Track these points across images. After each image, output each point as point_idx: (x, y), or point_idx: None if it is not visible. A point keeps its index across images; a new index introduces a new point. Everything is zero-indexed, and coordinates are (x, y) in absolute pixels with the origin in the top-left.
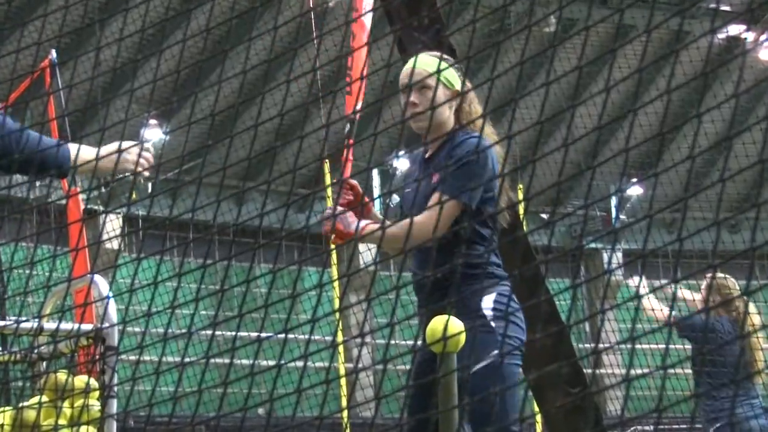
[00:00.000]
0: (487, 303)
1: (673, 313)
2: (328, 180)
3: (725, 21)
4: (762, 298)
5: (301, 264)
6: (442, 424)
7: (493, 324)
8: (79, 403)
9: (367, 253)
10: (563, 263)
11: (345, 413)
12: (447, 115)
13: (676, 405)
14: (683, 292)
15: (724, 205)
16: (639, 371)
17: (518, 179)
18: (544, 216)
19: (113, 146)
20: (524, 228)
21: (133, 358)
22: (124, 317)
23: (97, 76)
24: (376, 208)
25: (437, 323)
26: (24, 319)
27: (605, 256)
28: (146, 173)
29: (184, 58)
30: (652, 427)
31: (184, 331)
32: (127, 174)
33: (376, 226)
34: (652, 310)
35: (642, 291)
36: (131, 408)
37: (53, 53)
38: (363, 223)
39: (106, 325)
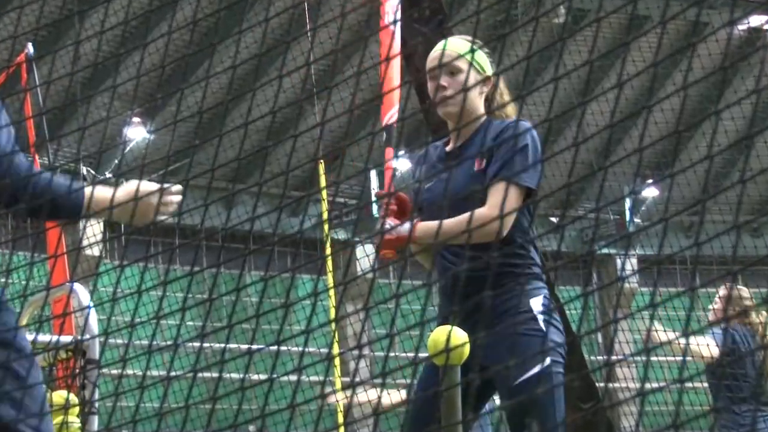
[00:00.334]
0: (536, 304)
1: (712, 340)
2: (323, 182)
3: (746, 11)
4: None
5: (295, 271)
6: None
7: (544, 328)
8: (57, 420)
9: (364, 259)
10: (574, 270)
11: (341, 430)
12: (479, 101)
13: (694, 420)
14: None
15: (745, 207)
16: (654, 385)
17: None
18: (553, 219)
19: (132, 187)
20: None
21: (115, 371)
22: (105, 328)
23: (77, 71)
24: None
25: (440, 333)
26: None
27: (619, 263)
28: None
29: (169, 52)
30: None
31: (170, 343)
32: (149, 222)
33: (431, 223)
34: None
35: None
36: (113, 425)
37: (30, 47)
38: (411, 222)
39: (87, 336)
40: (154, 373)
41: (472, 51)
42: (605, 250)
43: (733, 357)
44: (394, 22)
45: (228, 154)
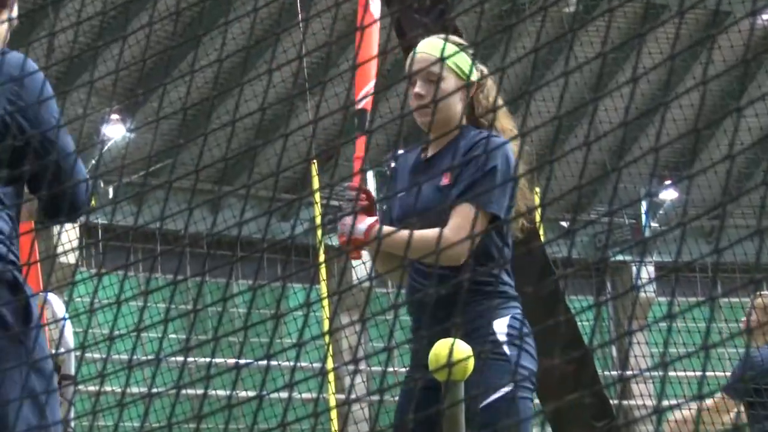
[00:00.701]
0: (500, 326)
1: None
2: (316, 183)
3: None
4: None
5: (286, 280)
6: None
7: (507, 350)
8: None
9: (361, 267)
10: (586, 278)
11: None
12: (458, 108)
13: None
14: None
15: None
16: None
17: (534, 182)
18: (564, 224)
19: None
20: (541, 238)
21: (93, 388)
22: (82, 342)
23: (51, 65)
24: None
25: (442, 347)
26: None
27: (634, 270)
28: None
29: (150, 44)
30: None
31: (151, 357)
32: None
33: (391, 228)
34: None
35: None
36: None
37: None
38: (370, 221)
39: (62, 350)
40: (135, 390)
41: (443, 59)
42: (619, 257)
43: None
44: None
45: (214, 153)
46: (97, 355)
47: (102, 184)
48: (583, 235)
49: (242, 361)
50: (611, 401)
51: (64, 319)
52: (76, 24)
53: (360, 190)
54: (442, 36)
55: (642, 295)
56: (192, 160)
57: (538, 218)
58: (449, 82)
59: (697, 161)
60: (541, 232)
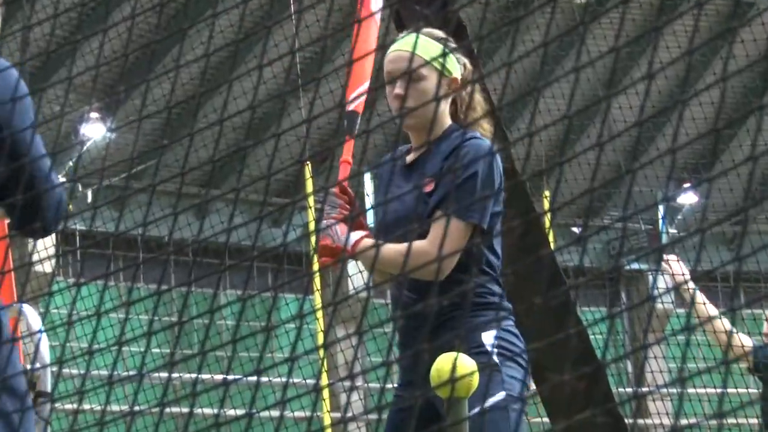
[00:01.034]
0: (488, 338)
1: (749, 341)
2: (309, 187)
3: None
4: None
5: (277, 290)
6: None
7: (497, 360)
8: None
9: (357, 276)
10: (599, 288)
11: None
12: (442, 108)
13: None
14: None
15: None
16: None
17: (543, 185)
18: (575, 230)
19: None
20: (551, 245)
21: (71, 406)
22: (59, 357)
23: (27, 60)
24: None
25: (444, 362)
26: None
27: (651, 280)
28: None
29: (132, 38)
30: None
31: (133, 373)
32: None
33: (370, 242)
34: (709, 319)
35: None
36: None
37: None
38: (356, 236)
39: (37, 366)
40: (115, 408)
41: (411, 53)
42: (635, 266)
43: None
44: None
45: (200, 155)
46: (75, 371)
47: (80, 188)
48: (595, 242)
49: (231, 377)
50: (626, 420)
51: (39, 332)
52: (53, 17)
53: (345, 198)
54: (424, 31)
55: (659, 306)
56: (177, 162)
57: (547, 224)
58: (430, 81)
59: (717, 163)
60: (550, 238)
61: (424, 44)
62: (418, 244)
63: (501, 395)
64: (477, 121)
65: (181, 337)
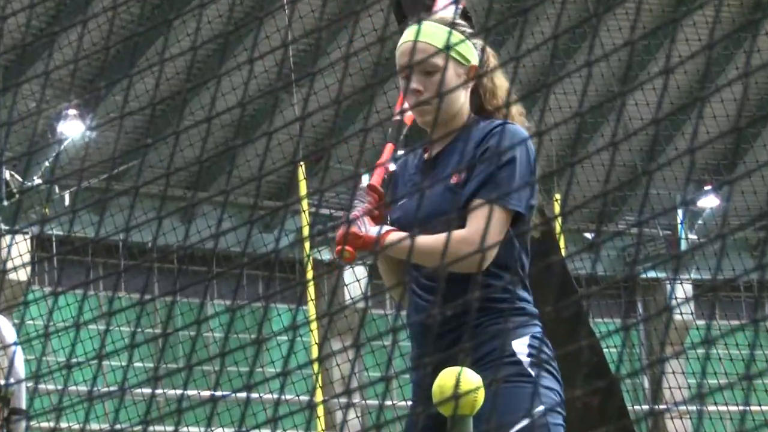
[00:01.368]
0: (520, 347)
1: None
2: (303, 189)
3: None
4: None
5: (269, 300)
6: None
7: (531, 372)
8: None
9: (354, 285)
10: (613, 298)
11: None
12: (462, 101)
13: None
14: None
15: None
16: None
17: (554, 187)
18: (588, 236)
19: None
20: (561, 252)
21: (47, 425)
22: (35, 371)
23: (1, 53)
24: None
25: (447, 377)
26: None
27: (669, 289)
28: None
29: (113, 29)
30: None
31: (114, 388)
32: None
33: (401, 234)
34: None
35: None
36: None
37: None
38: (384, 228)
39: (11, 381)
40: (95, 426)
41: (448, 48)
42: (652, 274)
43: None
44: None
45: (186, 154)
46: (52, 387)
47: (58, 190)
48: (609, 249)
49: (219, 393)
50: None
51: (14, 344)
52: (29, 7)
53: (375, 195)
54: (438, 19)
55: (677, 317)
56: (161, 163)
57: (558, 229)
58: (449, 72)
59: (740, 163)
60: (561, 244)
61: (437, 32)
62: (458, 233)
63: (539, 409)
64: (501, 108)
65: (166, 350)
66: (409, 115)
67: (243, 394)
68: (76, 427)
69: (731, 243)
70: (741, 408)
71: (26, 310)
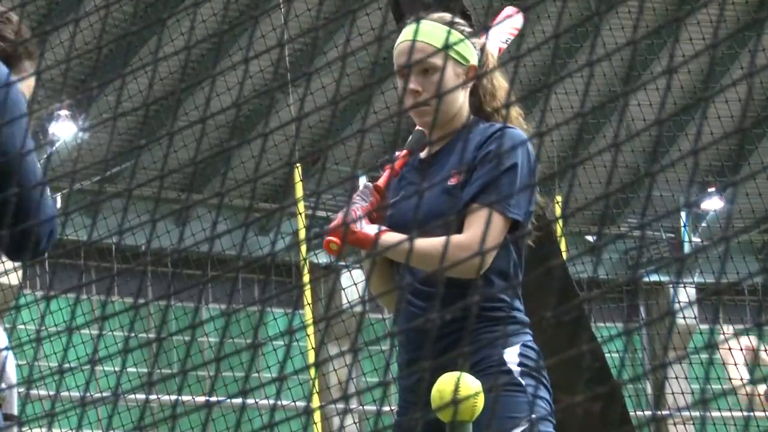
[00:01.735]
0: (512, 356)
1: None
2: (299, 191)
3: None
4: None
5: (265, 304)
6: None
7: (522, 381)
8: None
9: (352, 289)
10: (615, 302)
11: None
12: (461, 101)
13: None
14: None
15: None
16: None
17: (555, 189)
18: (589, 238)
19: None
20: (562, 255)
21: (39, 431)
22: (27, 376)
23: None
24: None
25: (446, 382)
26: None
27: (672, 293)
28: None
29: (106, 28)
30: None
31: (108, 394)
32: None
33: (398, 235)
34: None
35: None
36: None
37: None
38: (378, 228)
39: (3, 386)
40: None
41: (447, 47)
42: (655, 278)
43: None
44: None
45: (181, 156)
46: (44, 392)
47: (49, 192)
48: (611, 252)
49: (213, 399)
50: None
51: (5, 349)
52: (20, 6)
53: (377, 197)
54: (436, 17)
55: (680, 321)
56: (155, 164)
57: (559, 232)
58: (447, 72)
59: (744, 165)
60: (562, 247)
61: (435, 31)
62: (455, 237)
63: (528, 422)
64: (500, 110)
65: (160, 355)
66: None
67: (238, 400)
68: None
69: (735, 246)
70: (745, 413)
71: (18, 315)
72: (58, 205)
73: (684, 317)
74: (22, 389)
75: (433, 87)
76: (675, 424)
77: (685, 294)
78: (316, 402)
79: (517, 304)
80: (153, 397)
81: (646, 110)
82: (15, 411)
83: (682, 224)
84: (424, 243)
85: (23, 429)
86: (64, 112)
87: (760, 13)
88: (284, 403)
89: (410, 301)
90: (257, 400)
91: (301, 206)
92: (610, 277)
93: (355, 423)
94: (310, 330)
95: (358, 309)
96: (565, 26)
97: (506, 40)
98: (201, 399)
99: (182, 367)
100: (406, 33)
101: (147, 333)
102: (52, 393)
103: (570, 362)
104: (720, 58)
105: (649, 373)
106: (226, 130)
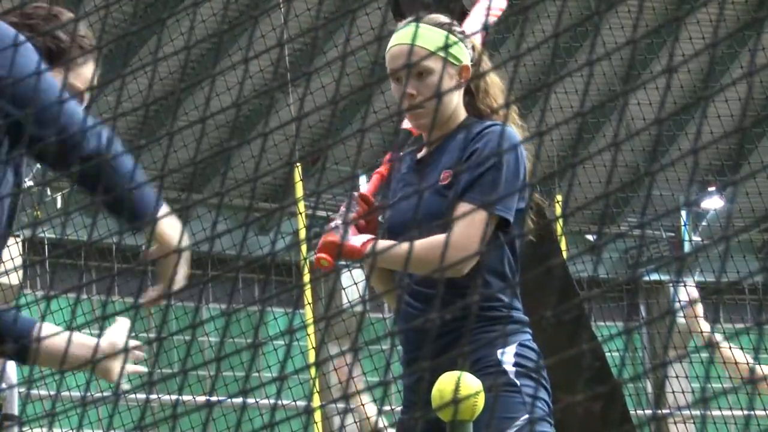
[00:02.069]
0: (508, 356)
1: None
2: (300, 191)
3: None
4: None
5: (265, 304)
6: None
7: (517, 382)
8: None
9: (352, 288)
10: (615, 301)
11: None
12: (456, 102)
13: None
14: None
15: None
16: None
17: (555, 189)
18: (589, 237)
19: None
20: (563, 254)
21: (40, 431)
22: (27, 376)
23: None
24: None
25: (447, 381)
26: None
27: (672, 292)
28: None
29: (105, 29)
30: None
31: (108, 394)
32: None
33: (389, 242)
34: (735, 363)
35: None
36: None
37: None
38: (365, 237)
39: (3, 387)
40: None
41: (441, 49)
42: (655, 276)
43: None
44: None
45: (180, 156)
46: (45, 392)
47: (50, 192)
48: (611, 251)
49: (214, 399)
50: None
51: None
52: (18, 7)
53: (365, 206)
54: (429, 18)
55: (681, 320)
56: (155, 164)
57: (559, 231)
58: (440, 73)
59: (744, 164)
60: (563, 246)
61: (426, 33)
62: (438, 237)
63: (524, 418)
64: (497, 110)
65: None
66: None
67: (239, 400)
68: None
69: (736, 245)
70: (745, 412)
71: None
72: (59, 205)
73: (684, 316)
74: (22, 389)
75: (428, 90)
76: (675, 423)
77: (686, 293)
78: (316, 401)
79: (515, 303)
80: (153, 396)
81: (646, 109)
82: (16, 411)
83: (682, 223)
84: (406, 248)
85: (24, 429)
86: None
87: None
88: (285, 402)
89: (408, 302)
90: (258, 400)
91: (301, 206)
92: (611, 276)
93: (355, 423)
94: (311, 329)
95: (358, 308)
96: (565, 25)
97: (488, 24)
98: (201, 398)
99: (183, 367)
100: (397, 37)
101: (147, 332)
102: (52, 393)
103: (570, 361)
104: (720, 58)
105: (649, 372)
106: (226, 129)
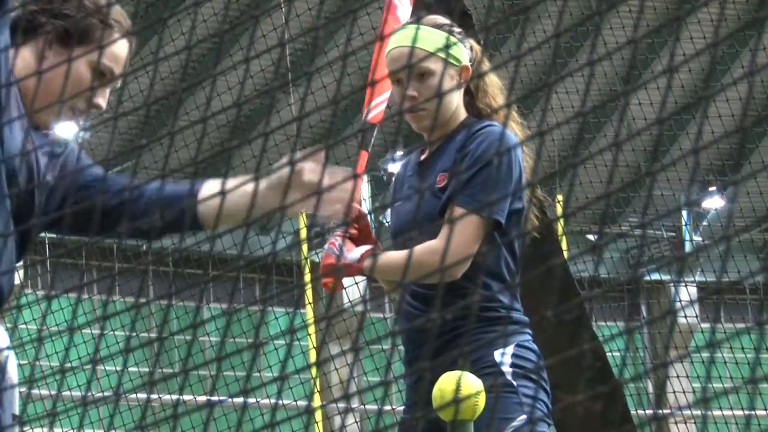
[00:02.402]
0: (506, 357)
1: None
2: None
3: None
4: None
5: (266, 303)
6: None
7: (514, 382)
8: None
9: (353, 288)
10: (616, 301)
11: None
12: (456, 102)
13: None
14: None
15: None
16: None
17: (555, 189)
18: (590, 237)
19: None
20: (563, 254)
21: (40, 431)
22: (29, 376)
23: None
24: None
25: (447, 381)
26: None
27: (673, 292)
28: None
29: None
30: None
31: (109, 393)
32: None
33: (384, 253)
34: None
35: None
36: None
37: None
38: (362, 250)
39: (4, 386)
40: None
41: (440, 50)
42: (656, 276)
43: None
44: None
45: (181, 155)
46: (46, 392)
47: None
48: (612, 251)
49: (215, 398)
50: None
51: (6, 349)
52: (19, 7)
53: (356, 217)
54: (428, 20)
55: (682, 320)
56: (156, 164)
57: (560, 231)
58: (441, 75)
59: (745, 164)
60: (563, 246)
61: (426, 35)
62: (429, 243)
63: (522, 419)
64: (497, 110)
65: (161, 354)
66: (375, 116)
67: (240, 399)
68: None
69: (736, 245)
70: (746, 412)
71: (19, 314)
72: None
73: (685, 316)
74: (23, 389)
75: (429, 91)
76: (676, 423)
77: (687, 293)
78: (317, 401)
79: (515, 304)
80: (154, 396)
81: (647, 109)
82: (16, 410)
83: (683, 223)
84: (396, 257)
85: (25, 428)
86: None
87: (761, 11)
88: (286, 402)
89: (408, 302)
90: (258, 400)
91: None
92: (611, 276)
93: (356, 422)
94: (312, 329)
95: (359, 308)
96: (566, 25)
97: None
98: (202, 398)
99: (183, 367)
100: (397, 39)
101: (148, 332)
102: (53, 392)
103: (571, 361)
104: (721, 57)
105: (650, 372)
106: (226, 129)
